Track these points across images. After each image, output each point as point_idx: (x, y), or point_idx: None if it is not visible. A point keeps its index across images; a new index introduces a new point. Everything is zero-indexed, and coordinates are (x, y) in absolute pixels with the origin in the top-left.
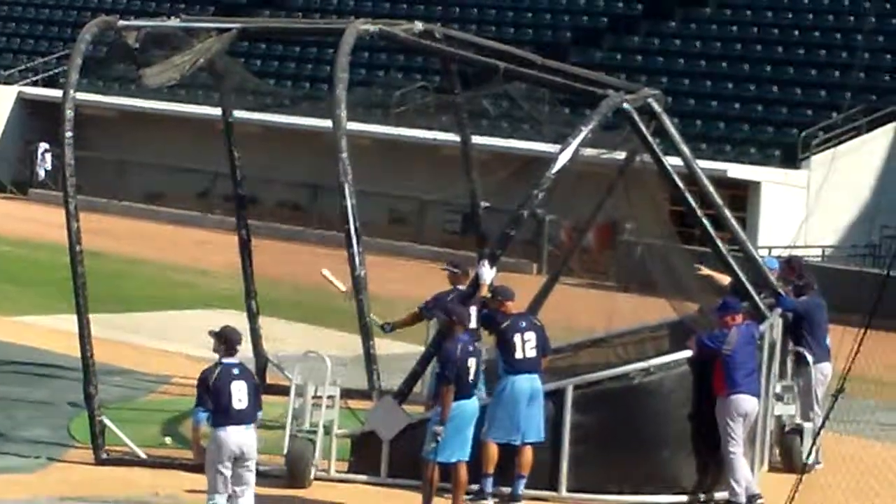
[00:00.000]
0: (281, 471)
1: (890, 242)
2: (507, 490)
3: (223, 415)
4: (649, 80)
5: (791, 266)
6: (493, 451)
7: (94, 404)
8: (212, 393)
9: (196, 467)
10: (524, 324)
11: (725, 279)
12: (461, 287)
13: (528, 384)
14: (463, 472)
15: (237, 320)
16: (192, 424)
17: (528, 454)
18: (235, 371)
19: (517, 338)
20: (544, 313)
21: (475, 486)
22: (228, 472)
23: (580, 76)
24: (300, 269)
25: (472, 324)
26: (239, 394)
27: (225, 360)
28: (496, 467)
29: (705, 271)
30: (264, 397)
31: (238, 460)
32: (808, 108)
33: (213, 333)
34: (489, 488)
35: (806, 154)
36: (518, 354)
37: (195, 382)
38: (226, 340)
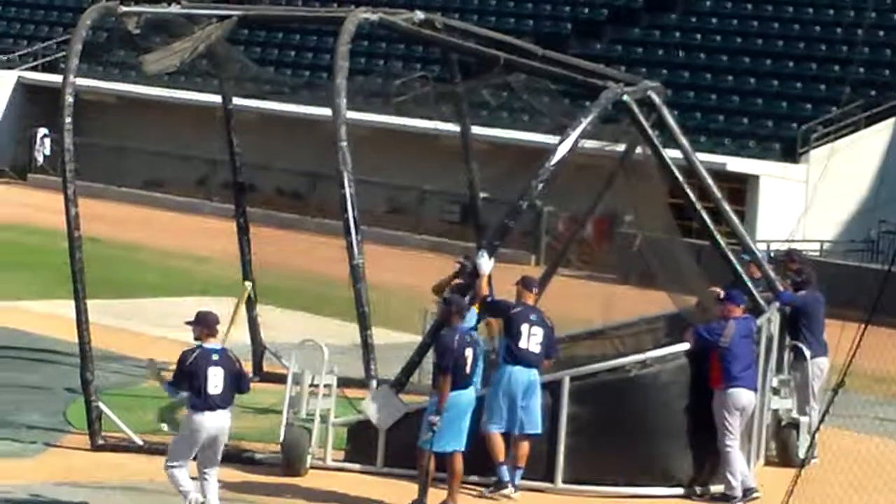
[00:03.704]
0: (277, 459)
1: (888, 238)
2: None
3: (200, 399)
4: (649, 73)
5: (791, 258)
6: (497, 440)
7: (91, 390)
8: (187, 375)
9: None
10: (535, 317)
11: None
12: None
13: (526, 376)
14: (458, 463)
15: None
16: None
17: (524, 446)
18: (214, 357)
19: (525, 328)
20: (542, 304)
21: (493, 478)
22: (195, 451)
23: (580, 67)
24: (298, 257)
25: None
26: (215, 379)
27: (205, 345)
28: (505, 455)
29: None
30: (262, 385)
31: (211, 443)
32: (807, 103)
33: (189, 322)
34: (506, 477)
35: (805, 148)
36: (522, 344)
37: None
38: (201, 322)
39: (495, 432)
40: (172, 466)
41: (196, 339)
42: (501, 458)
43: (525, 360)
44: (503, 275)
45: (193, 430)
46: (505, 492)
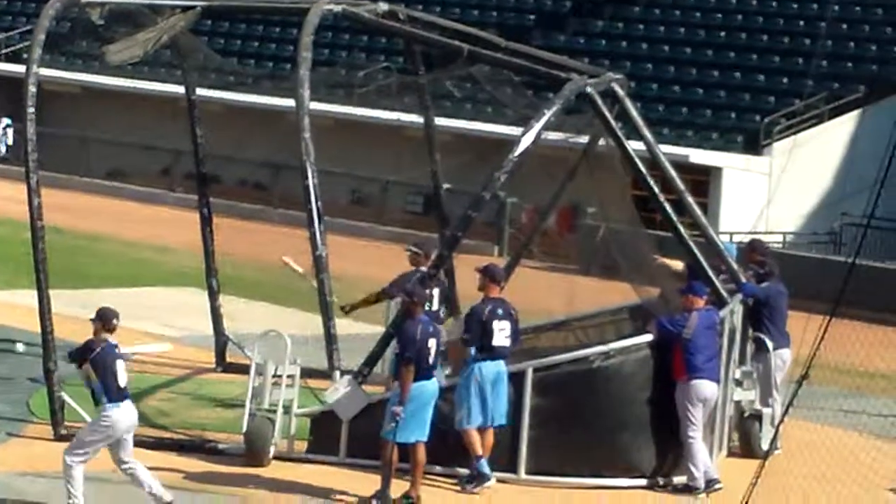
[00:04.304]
0: (240, 449)
1: (850, 230)
2: (465, 472)
3: (115, 392)
4: (612, 65)
5: (753, 248)
6: (474, 435)
7: (54, 380)
8: (92, 364)
9: (155, 444)
10: (501, 311)
11: (678, 264)
12: (423, 269)
13: (495, 368)
14: (421, 453)
15: (198, 298)
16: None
17: (489, 437)
18: (117, 350)
19: (494, 325)
20: (505, 295)
21: (465, 471)
22: (104, 445)
23: (544, 59)
24: (261, 247)
25: (434, 305)
26: (123, 372)
27: (110, 340)
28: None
29: (659, 260)
30: (225, 376)
31: (125, 439)
32: (770, 95)
33: (92, 319)
34: (487, 469)
35: (768, 141)
36: (494, 341)
37: (152, 359)
38: (101, 317)
39: (471, 428)
40: (76, 457)
41: (94, 333)
42: (480, 451)
43: (496, 354)
44: (466, 265)
45: (112, 423)
46: (488, 484)
